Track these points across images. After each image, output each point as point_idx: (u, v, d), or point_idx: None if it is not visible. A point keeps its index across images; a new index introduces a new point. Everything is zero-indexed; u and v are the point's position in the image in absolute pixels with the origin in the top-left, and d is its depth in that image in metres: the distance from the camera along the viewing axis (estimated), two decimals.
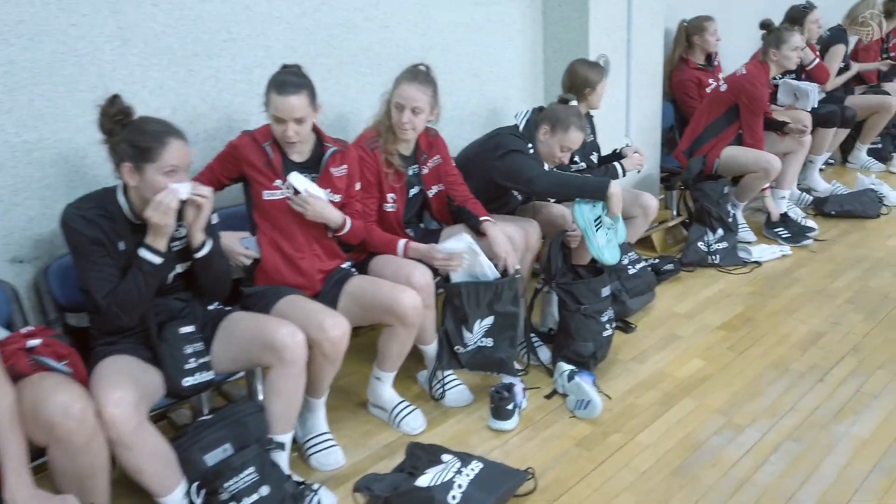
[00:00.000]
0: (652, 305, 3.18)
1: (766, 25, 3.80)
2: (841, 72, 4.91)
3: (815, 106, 4.37)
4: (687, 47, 4.37)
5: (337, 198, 2.25)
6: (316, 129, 2.24)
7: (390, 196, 2.49)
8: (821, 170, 5.10)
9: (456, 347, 2.45)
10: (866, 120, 4.92)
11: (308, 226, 2.22)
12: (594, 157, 3.28)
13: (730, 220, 3.69)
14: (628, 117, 3.82)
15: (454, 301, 2.42)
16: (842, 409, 2.35)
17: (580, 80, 3.10)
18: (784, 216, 3.93)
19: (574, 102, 2.89)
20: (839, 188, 4.45)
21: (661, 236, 3.87)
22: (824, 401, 2.39)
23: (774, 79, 4.06)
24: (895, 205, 4.26)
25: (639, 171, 3.29)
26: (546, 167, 2.78)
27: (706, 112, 3.84)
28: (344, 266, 2.38)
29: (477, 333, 2.45)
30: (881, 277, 3.31)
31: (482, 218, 2.54)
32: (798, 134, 3.86)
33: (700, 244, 3.60)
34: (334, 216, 2.21)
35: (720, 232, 3.62)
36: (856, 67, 5.02)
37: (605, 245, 2.62)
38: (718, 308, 3.13)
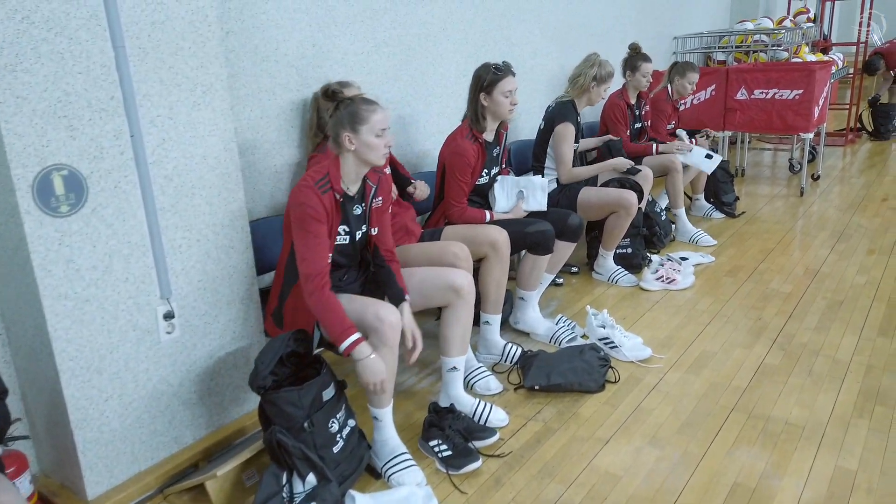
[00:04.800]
0: None
1: None
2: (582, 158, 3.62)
3: (543, 209, 3.05)
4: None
5: None
6: None
7: None
8: (557, 284, 3.78)
9: None
10: (607, 219, 3.65)
11: None
12: None
13: (335, 452, 2.10)
14: (161, 274, 2.14)
15: None
16: None
17: None
18: (448, 410, 2.41)
19: None
20: (562, 331, 3.05)
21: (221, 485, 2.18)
22: None
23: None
24: (631, 360, 2.90)
25: None
26: None
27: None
28: None
29: None
30: None
31: None
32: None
33: None
34: None
35: (311, 480, 2.01)
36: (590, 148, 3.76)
37: None
38: None
